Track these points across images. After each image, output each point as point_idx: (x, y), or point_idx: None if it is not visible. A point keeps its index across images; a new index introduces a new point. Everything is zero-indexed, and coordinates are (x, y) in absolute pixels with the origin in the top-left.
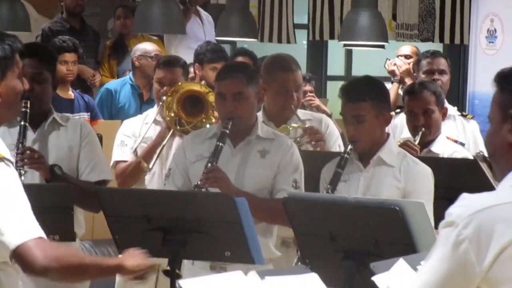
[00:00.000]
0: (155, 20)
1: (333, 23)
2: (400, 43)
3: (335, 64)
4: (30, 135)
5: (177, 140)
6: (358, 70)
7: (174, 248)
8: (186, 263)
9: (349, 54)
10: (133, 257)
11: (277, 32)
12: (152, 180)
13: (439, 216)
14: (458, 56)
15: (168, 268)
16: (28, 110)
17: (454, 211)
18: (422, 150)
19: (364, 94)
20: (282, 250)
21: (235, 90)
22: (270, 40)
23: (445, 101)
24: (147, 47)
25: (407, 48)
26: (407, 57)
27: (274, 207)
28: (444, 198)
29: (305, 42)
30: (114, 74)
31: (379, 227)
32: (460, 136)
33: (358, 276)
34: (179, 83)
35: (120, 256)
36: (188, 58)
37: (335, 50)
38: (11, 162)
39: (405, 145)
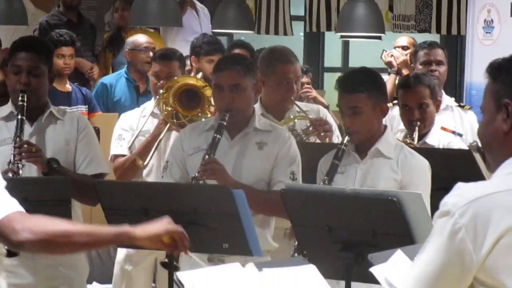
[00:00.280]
0: (152, 13)
1: (329, 15)
2: (397, 34)
3: (332, 56)
4: (27, 128)
5: (174, 133)
6: (355, 62)
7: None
8: (183, 255)
9: (346, 46)
10: (150, 227)
11: (273, 24)
12: (150, 173)
13: (435, 207)
14: (455, 47)
15: (166, 260)
16: (25, 104)
17: (449, 200)
18: (417, 143)
19: (361, 85)
20: (285, 242)
21: (233, 82)
22: (267, 32)
23: (443, 92)
24: (138, 39)
25: (404, 39)
26: (404, 48)
27: (271, 199)
28: (440, 189)
29: (302, 34)
30: (109, 67)
31: (377, 218)
32: (458, 127)
33: (356, 267)
34: (175, 78)
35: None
36: (185, 50)
37: (332, 41)
38: None
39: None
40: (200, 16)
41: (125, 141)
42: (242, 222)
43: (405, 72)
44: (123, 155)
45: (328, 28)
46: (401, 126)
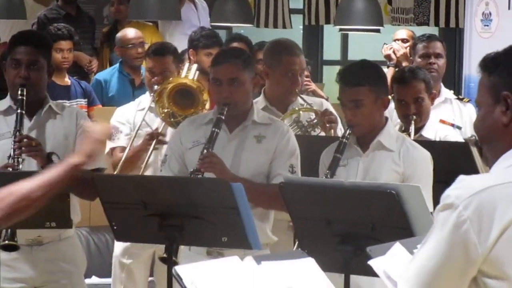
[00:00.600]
0: (151, 6)
1: (328, 8)
2: (396, 27)
3: (331, 49)
4: (26, 123)
5: (171, 129)
6: (354, 55)
7: (170, 234)
8: (182, 249)
9: (345, 39)
10: (81, 147)
11: (272, 17)
12: (149, 167)
13: (436, 199)
14: (453, 39)
15: (165, 255)
16: (24, 98)
17: (452, 193)
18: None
19: (362, 78)
20: (288, 234)
21: (231, 76)
22: (266, 25)
23: (442, 84)
24: (126, 35)
25: (403, 32)
26: (403, 41)
27: (270, 192)
28: (440, 182)
29: (301, 27)
30: (106, 62)
31: (375, 211)
32: (457, 119)
33: (355, 260)
34: (167, 80)
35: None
36: (183, 44)
37: (331, 34)
38: None
39: None
40: (198, 9)
41: (122, 134)
42: (241, 216)
43: (405, 65)
44: (120, 147)
45: (327, 21)
46: (398, 119)
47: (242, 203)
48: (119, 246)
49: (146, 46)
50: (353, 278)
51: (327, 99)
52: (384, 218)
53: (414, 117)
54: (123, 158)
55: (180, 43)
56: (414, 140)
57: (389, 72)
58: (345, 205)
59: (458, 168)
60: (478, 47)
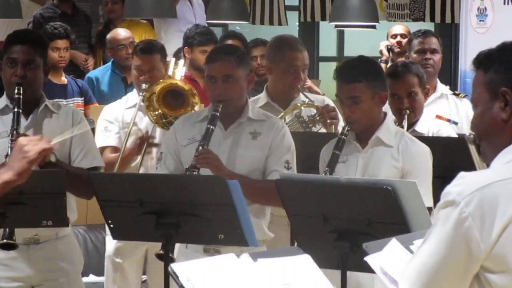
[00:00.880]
0: (146, 4)
1: (324, 4)
2: (392, 23)
3: (327, 45)
4: (23, 122)
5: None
6: (350, 51)
7: (167, 231)
8: (179, 246)
9: (341, 35)
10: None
11: (268, 14)
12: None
13: (434, 195)
14: (449, 35)
15: (161, 252)
16: (21, 97)
17: (453, 189)
18: (406, 131)
19: (359, 74)
20: (287, 231)
21: (225, 73)
22: (262, 22)
23: (437, 80)
24: (116, 36)
25: (399, 27)
26: (402, 36)
27: (266, 188)
28: (437, 177)
29: (296, 23)
30: (100, 61)
31: (372, 207)
32: (453, 115)
33: (351, 257)
34: (155, 84)
35: None
36: (178, 41)
37: (327, 31)
38: None
39: None
40: (194, 6)
41: (111, 132)
42: (237, 213)
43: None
44: (110, 147)
45: (323, 18)
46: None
47: (238, 200)
48: (111, 246)
49: None
50: (353, 274)
51: (323, 96)
52: (381, 214)
53: (408, 111)
54: (118, 160)
55: (176, 41)
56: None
57: None
58: (341, 201)
59: (453, 164)
60: (473, 43)
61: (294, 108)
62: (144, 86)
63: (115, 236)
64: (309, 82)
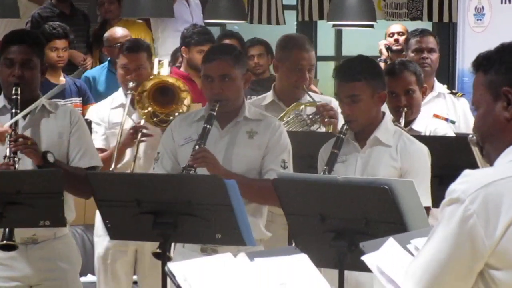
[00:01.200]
0: (144, 4)
1: (322, 4)
2: (389, 22)
3: (325, 45)
4: (20, 122)
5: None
6: (348, 50)
7: (164, 231)
8: (177, 246)
9: (339, 34)
10: None
11: (266, 13)
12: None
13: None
14: (447, 34)
15: (159, 250)
16: (19, 97)
17: (458, 187)
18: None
19: (358, 73)
20: (286, 230)
21: (222, 72)
22: (260, 21)
23: (435, 79)
24: (113, 34)
25: (396, 26)
26: (399, 34)
27: (263, 187)
28: (434, 176)
29: (294, 23)
30: (96, 61)
31: (369, 206)
32: (451, 114)
33: (349, 256)
34: (144, 82)
35: None
36: (176, 41)
37: (325, 30)
38: None
39: None
40: (191, 5)
41: (97, 134)
42: (235, 212)
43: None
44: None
45: (321, 17)
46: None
47: (235, 200)
48: (101, 248)
49: None
50: (353, 274)
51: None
52: (378, 213)
53: (405, 109)
54: (114, 157)
55: (173, 40)
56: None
57: None
58: (338, 200)
59: (451, 163)
60: (471, 42)
61: (296, 107)
62: (130, 84)
63: (112, 236)
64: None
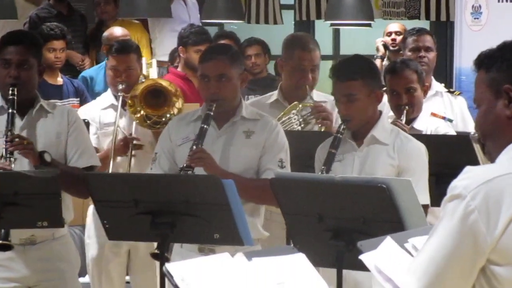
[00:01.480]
0: (141, 3)
1: (319, 3)
2: (387, 21)
3: (322, 44)
4: (18, 122)
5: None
6: (346, 49)
7: (162, 231)
8: (174, 246)
9: (336, 34)
10: None
11: (264, 13)
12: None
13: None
14: (444, 33)
15: (157, 251)
16: (15, 98)
17: (459, 183)
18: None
19: (355, 73)
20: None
21: (218, 72)
22: (257, 21)
23: (432, 78)
24: (113, 33)
25: (395, 25)
26: (397, 33)
27: (261, 187)
28: (431, 174)
29: (292, 22)
30: (93, 61)
31: (366, 205)
32: (448, 112)
33: (347, 255)
34: (135, 87)
35: None
36: (173, 41)
37: (323, 29)
38: None
39: (394, 125)
40: (188, 5)
41: (90, 133)
42: (232, 212)
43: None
44: None
45: (318, 17)
46: (391, 113)
47: (233, 200)
48: (93, 249)
49: None
50: (351, 273)
51: None
52: (376, 212)
53: (407, 107)
54: (111, 158)
55: (170, 40)
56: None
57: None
58: (336, 200)
59: (451, 161)
60: (468, 40)
61: (294, 107)
62: (120, 86)
63: (110, 237)
64: None
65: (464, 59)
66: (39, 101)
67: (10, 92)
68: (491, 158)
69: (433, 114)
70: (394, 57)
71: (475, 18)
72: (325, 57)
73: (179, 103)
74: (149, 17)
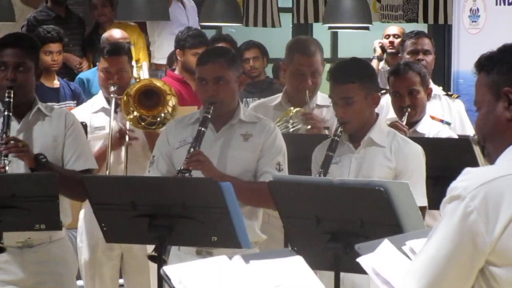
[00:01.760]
0: (139, 6)
1: (317, 6)
2: (385, 24)
3: None
4: (15, 125)
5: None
6: (344, 52)
7: (160, 234)
8: (172, 248)
9: (334, 36)
10: None
11: (261, 16)
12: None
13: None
14: (442, 36)
15: (154, 253)
16: (11, 100)
17: (459, 185)
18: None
19: (352, 75)
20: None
21: (216, 75)
22: (255, 24)
23: (430, 81)
24: (112, 35)
25: (394, 28)
26: (395, 36)
27: (258, 190)
28: (428, 177)
29: (290, 25)
30: (89, 64)
31: (364, 208)
32: (446, 115)
33: (344, 258)
34: (129, 87)
35: None
36: (172, 44)
37: (321, 32)
38: None
39: (393, 126)
40: (187, 8)
41: None
42: (230, 215)
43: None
44: None
45: (316, 20)
46: (389, 115)
47: (231, 202)
48: (86, 253)
49: (132, 47)
50: (349, 275)
51: None
52: (373, 215)
53: (409, 109)
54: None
55: (169, 43)
56: (409, 135)
57: (372, 64)
58: (334, 202)
59: (449, 165)
60: (466, 43)
61: (287, 113)
62: (112, 88)
63: (108, 239)
64: None
65: (462, 62)
66: (37, 104)
67: (7, 94)
68: (491, 160)
69: (431, 117)
70: (392, 60)
71: (472, 21)
72: None
73: (172, 101)
74: (147, 20)
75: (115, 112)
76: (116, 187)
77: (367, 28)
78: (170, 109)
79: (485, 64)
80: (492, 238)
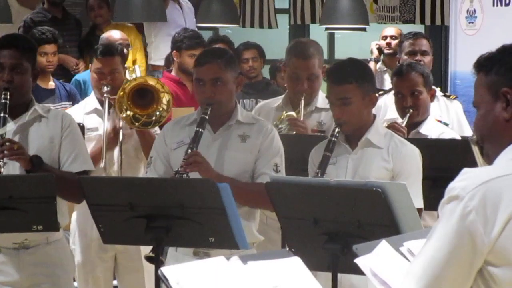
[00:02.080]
0: (136, 8)
1: (314, 7)
2: (382, 25)
3: None
4: (11, 126)
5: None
6: (341, 53)
7: (157, 235)
8: (169, 249)
9: (331, 38)
10: None
11: (258, 17)
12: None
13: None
14: (439, 37)
15: (151, 254)
16: (8, 102)
17: (457, 185)
18: (410, 132)
19: (349, 76)
20: (280, 233)
21: (213, 76)
22: (252, 25)
23: None
24: (111, 36)
25: (391, 29)
26: (392, 37)
27: (256, 191)
28: (426, 179)
29: (287, 26)
30: (87, 66)
31: (362, 209)
32: (444, 116)
33: (342, 259)
34: (121, 87)
35: None
36: (169, 45)
37: (317, 33)
38: None
39: (392, 127)
40: (184, 9)
41: None
42: (228, 216)
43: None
44: None
45: (313, 21)
46: (387, 116)
47: (228, 203)
48: (79, 255)
49: (130, 48)
50: (347, 276)
51: None
52: (371, 216)
53: (411, 110)
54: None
55: (166, 45)
56: (412, 136)
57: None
58: (331, 203)
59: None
60: (463, 44)
61: (279, 118)
62: (105, 88)
63: (105, 240)
64: None
65: (459, 63)
66: (33, 105)
67: (3, 96)
68: (489, 160)
69: (437, 120)
70: (389, 61)
71: (470, 22)
72: None
73: (166, 98)
74: (144, 21)
75: (108, 112)
76: (114, 188)
77: (364, 29)
78: (164, 106)
79: (484, 64)
80: (491, 238)
